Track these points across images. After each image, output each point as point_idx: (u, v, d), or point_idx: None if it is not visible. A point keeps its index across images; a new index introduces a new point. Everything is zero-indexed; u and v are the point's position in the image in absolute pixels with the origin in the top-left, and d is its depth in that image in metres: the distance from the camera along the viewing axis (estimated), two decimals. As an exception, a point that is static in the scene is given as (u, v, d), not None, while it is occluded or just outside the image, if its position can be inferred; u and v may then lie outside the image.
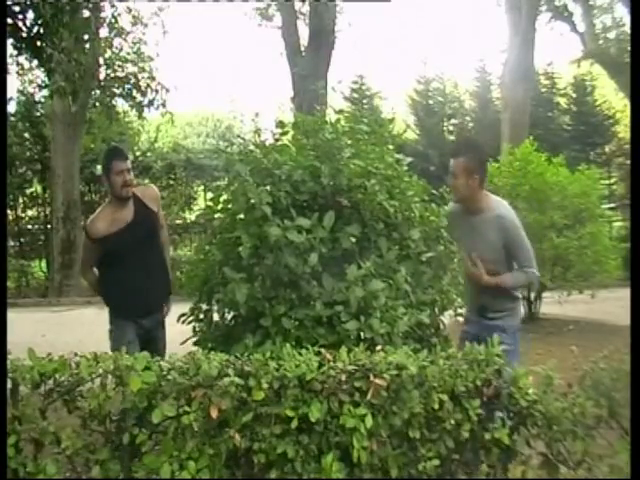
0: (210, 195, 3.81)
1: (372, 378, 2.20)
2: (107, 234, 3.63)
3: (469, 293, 3.34)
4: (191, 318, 3.46)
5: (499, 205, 3.25)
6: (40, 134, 14.93)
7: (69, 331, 8.48)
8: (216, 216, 3.71)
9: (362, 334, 3.01)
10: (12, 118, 14.33)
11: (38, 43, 6.24)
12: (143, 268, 3.71)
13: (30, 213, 15.98)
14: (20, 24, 6.11)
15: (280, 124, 3.78)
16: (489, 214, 3.16)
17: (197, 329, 3.51)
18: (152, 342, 3.75)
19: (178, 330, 3.47)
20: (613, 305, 8.16)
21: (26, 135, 15.27)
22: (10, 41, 6.12)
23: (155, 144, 17.25)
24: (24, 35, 6.14)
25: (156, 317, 3.84)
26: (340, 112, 4.01)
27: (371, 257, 3.29)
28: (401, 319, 3.16)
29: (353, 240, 3.28)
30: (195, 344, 3.38)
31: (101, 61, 13.52)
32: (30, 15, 6.15)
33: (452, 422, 2.30)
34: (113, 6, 12.65)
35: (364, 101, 19.20)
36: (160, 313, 3.89)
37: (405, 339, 3.13)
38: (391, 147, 3.96)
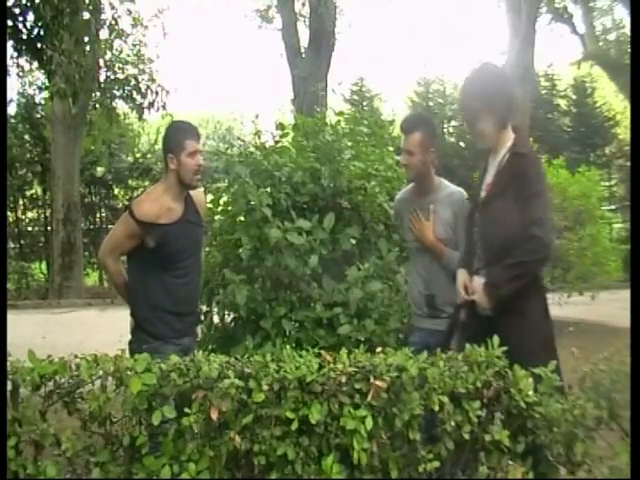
0: (210, 197, 3.81)
1: (372, 380, 2.20)
2: (157, 222, 2.96)
3: (417, 292, 3.14)
4: (191, 320, 3.46)
5: (449, 185, 3.19)
6: (40, 136, 14.96)
7: (69, 333, 8.48)
8: (216, 218, 3.71)
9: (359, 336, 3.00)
10: (12, 120, 14.36)
11: (38, 45, 6.25)
12: (191, 276, 3.11)
13: (30, 215, 16.02)
14: (20, 26, 6.13)
15: (280, 126, 3.79)
16: (441, 192, 3.09)
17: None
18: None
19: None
20: (613, 307, 8.16)
21: (26, 137, 15.30)
22: (10, 43, 6.13)
23: (155, 146, 17.22)
24: (24, 37, 6.15)
25: (193, 336, 3.25)
26: (340, 114, 4.02)
27: (371, 259, 3.30)
28: (392, 316, 3.14)
29: (353, 242, 3.28)
30: (195, 346, 3.38)
31: (101, 63, 13.51)
32: (30, 17, 6.16)
33: (452, 424, 2.30)
34: (113, 8, 12.67)
35: (364, 103, 19.19)
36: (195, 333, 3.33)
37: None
38: (391, 149, 3.97)
